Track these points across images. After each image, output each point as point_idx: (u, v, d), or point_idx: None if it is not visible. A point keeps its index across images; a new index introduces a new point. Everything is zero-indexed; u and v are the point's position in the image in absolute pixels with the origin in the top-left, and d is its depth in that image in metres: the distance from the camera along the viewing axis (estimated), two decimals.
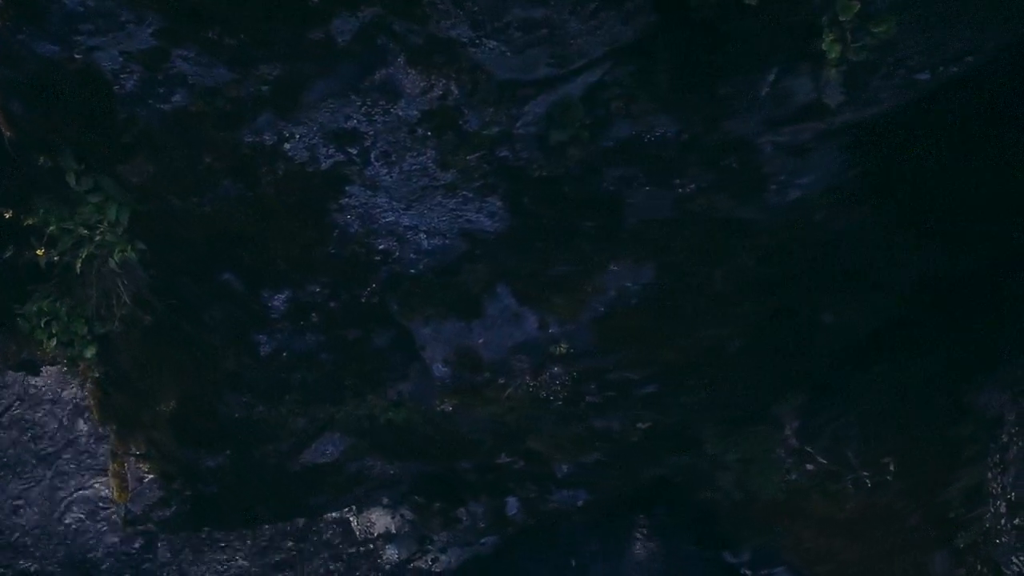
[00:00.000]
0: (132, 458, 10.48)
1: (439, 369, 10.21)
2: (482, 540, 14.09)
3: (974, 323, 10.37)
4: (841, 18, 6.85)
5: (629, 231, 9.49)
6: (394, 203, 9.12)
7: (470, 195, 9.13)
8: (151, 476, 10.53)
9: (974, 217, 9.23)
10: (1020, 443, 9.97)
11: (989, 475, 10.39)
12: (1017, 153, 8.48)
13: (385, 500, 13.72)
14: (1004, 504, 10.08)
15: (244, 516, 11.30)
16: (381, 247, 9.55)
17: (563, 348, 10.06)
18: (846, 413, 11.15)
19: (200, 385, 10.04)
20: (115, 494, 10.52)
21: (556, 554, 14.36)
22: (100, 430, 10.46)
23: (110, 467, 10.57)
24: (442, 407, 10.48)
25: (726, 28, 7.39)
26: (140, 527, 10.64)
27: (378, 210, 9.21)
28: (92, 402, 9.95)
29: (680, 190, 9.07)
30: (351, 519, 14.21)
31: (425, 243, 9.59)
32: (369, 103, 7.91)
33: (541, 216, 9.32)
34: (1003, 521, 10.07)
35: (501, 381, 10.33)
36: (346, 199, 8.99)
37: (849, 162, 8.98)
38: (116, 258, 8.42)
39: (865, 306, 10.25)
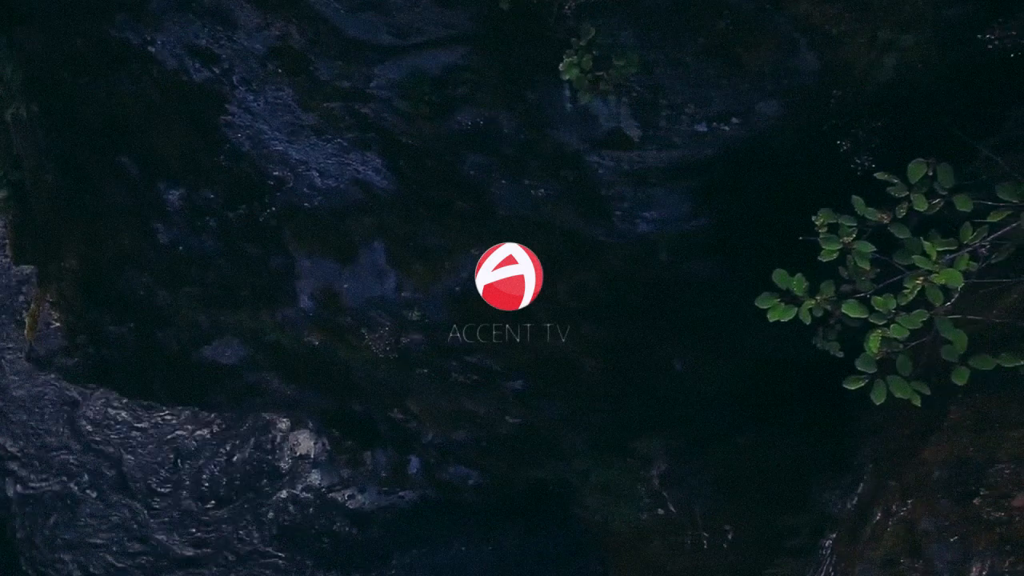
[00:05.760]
0: (47, 303, 11.52)
1: (305, 301, 10.71)
2: (401, 493, 14.51)
3: (831, 417, 9.90)
4: (581, 43, 6.84)
5: (498, 221, 9.64)
6: (276, 133, 9.65)
7: (345, 144, 9.53)
8: (58, 324, 11.54)
9: None
10: (832, 547, 9.51)
11: (808, 572, 9.96)
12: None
13: (311, 424, 14.37)
14: None
15: (142, 388, 12.18)
16: (275, 173, 10.10)
17: (417, 315, 10.34)
18: (705, 471, 10.87)
19: (100, 254, 10.94)
20: (27, 331, 11.60)
21: (470, 539, 14.52)
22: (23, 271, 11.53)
23: (31, 306, 11.66)
24: (308, 339, 10.97)
25: (511, 32, 7.47)
26: (42, 369, 11.67)
27: (265, 137, 9.76)
28: (8, 242, 11.03)
29: (532, 192, 9.16)
30: (282, 435, 14.96)
31: (319, 182, 10.07)
32: (209, 26, 8.44)
33: (422, 184, 9.62)
34: None
35: (363, 331, 10.71)
36: (230, 116, 9.58)
37: (694, 210, 8.81)
38: (8, 114, 9.34)
39: (718, 365, 9.97)
